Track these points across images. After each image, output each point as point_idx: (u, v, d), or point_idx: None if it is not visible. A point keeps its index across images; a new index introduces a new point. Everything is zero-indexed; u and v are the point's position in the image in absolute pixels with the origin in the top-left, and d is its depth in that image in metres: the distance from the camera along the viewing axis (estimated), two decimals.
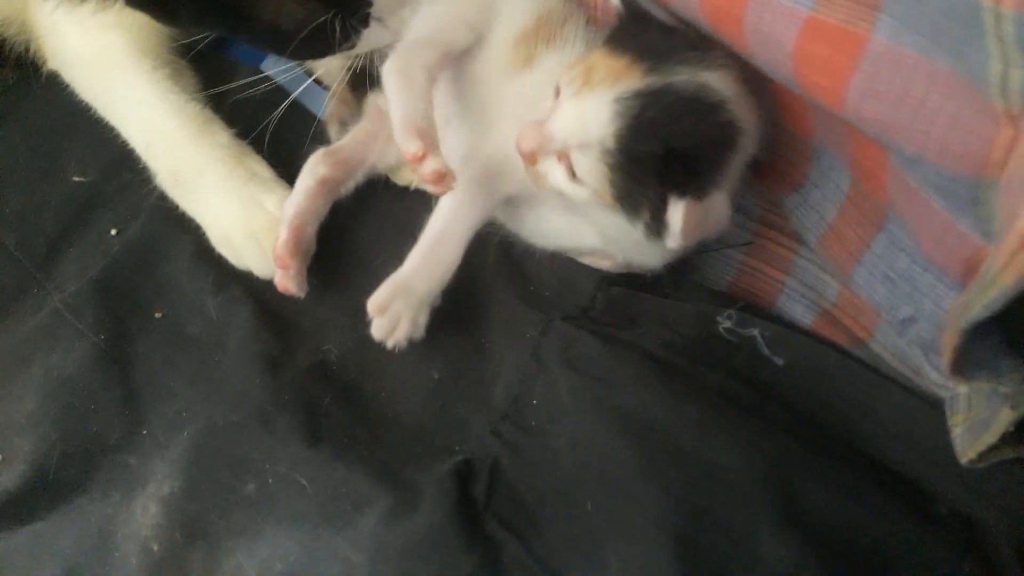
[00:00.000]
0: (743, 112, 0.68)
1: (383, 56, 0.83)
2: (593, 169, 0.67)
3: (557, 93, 0.69)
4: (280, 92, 1.00)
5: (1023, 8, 0.44)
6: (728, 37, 0.66)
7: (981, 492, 0.66)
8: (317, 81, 1.01)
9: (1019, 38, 0.45)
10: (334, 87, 0.93)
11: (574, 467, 0.70)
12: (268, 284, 0.84)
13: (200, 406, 0.78)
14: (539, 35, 0.80)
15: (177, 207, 0.89)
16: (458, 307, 0.81)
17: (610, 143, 0.65)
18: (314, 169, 0.85)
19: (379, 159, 0.88)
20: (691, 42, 0.68)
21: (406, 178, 0.90)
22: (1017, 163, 0.50)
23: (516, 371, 0.76)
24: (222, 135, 0.89)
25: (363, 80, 0.89)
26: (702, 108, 0.66)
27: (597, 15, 0.85)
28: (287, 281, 0.80)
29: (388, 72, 0.75)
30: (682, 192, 0.64)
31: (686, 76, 0.66)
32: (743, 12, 0.63)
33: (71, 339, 0.82)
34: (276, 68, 1.00)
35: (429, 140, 0.69)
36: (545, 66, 0.78)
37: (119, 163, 0.91)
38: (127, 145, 0.90)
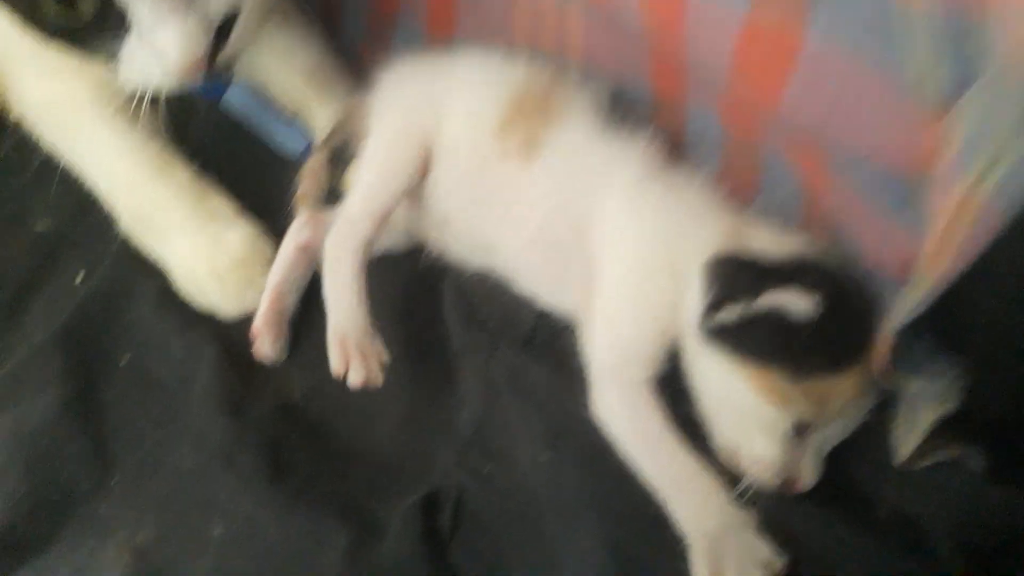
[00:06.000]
0: None
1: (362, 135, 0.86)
2: None
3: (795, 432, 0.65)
4: (241, 127, 1.01)
5: (934, 12, 0.43)
6: (670, 45, 0.66)
7: (920, 490, 0.65)
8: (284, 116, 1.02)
9: (935, 43, 0.45)
10: (308, 163, 0.92)
11: (535, 492, 0.70)
12: (233, 324, 0.85)
13: (167, 449, 0.78)
14: (528, 118, 0.79)
15: (142, 250, 0.89)
16: (421, 339, 0.82)
17: None
18: (297, 234, 0.85)
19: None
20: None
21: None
22: (941, 162, 0.49)
23: (477, 399, 0.76)
24: (182, 174, 0.89)
25: (343, 158, 0.89)
26: None
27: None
28: (264, 349, 0.81)
29: (324, 264, 0.78)
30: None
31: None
32: (683, 17, 0.62)
33: (38, 389, 0.81)
34: (237, 103, 1.01)
35: (350, 353, 0.72)
36: (555, 147, 0.78)
37: (84, 208, 0.92)
38: (92, 190, 0.91)
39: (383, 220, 0.80)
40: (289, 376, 0.81)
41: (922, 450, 0.61)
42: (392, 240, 0.87)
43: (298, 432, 0.77)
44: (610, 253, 0.73)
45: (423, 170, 0.83)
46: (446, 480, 0.73)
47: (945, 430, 0.59)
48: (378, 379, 0.73)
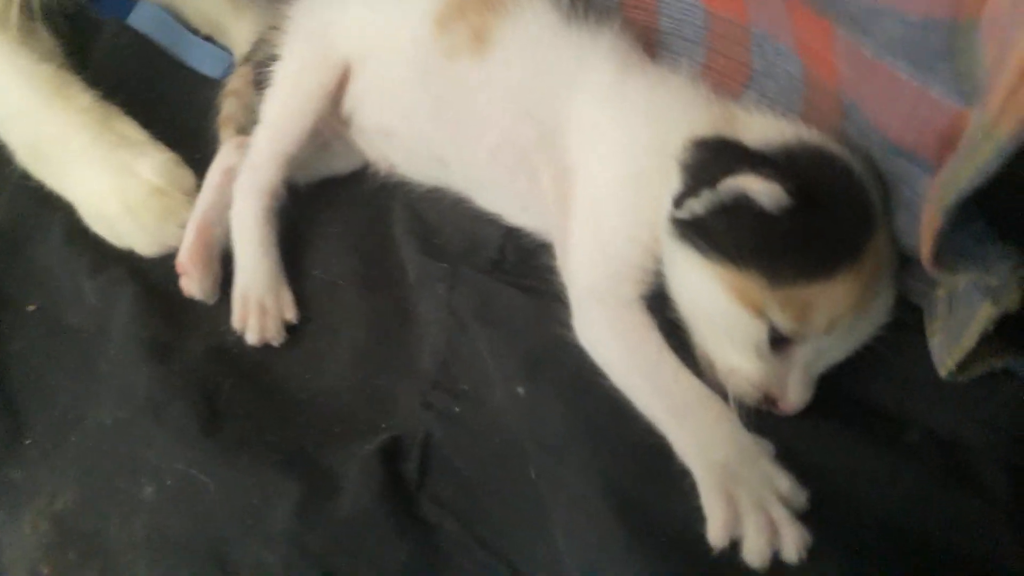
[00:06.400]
0: None
1: None
2: None
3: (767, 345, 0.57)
4: (154, 48, 0.92)
5: None
6: None
7: (958, 407, 0.59)
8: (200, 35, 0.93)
9: None
10: (229, 81, 0.84)
11: (515, 430, 0.62)
12: (153, 262, 0.77)
13: (86, 404, 0.70)
14: (474, 8, 0.71)
15: (43, 184, 0.80)
16: (373, 269, 0.75)
17: None
18: (224, 158, 0.79)
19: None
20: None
21: None
22: None
23: (441, 332, 0.69)
24: (83, 98, 0.80)
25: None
26: None
27: None
28: (192, 287, 0.73)
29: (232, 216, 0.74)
30: None
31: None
32: None
33: None
34: (145, 21, 0.92)
35: (249, 310, 0.70)
36: (511, 41, 0.70)
37: None
38: None
39: (290, 161, 0.75)
40: (222, 316, 0.72)
41: (970, 359, 0.54)
42: (334, 162, 0.80)
43: (234, 377, 0.69)
44: (591, 160, 0.66)
45: (339, 92, 0.76)
46: (410, 424, 0.65)
47: (992, 335, 0.52)
48: (275, 338, 0.70)
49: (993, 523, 0.55)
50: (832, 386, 0.60)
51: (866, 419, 0.60)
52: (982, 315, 0.50)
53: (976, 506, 0.55)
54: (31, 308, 0.75)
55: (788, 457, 0.55)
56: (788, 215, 0.53)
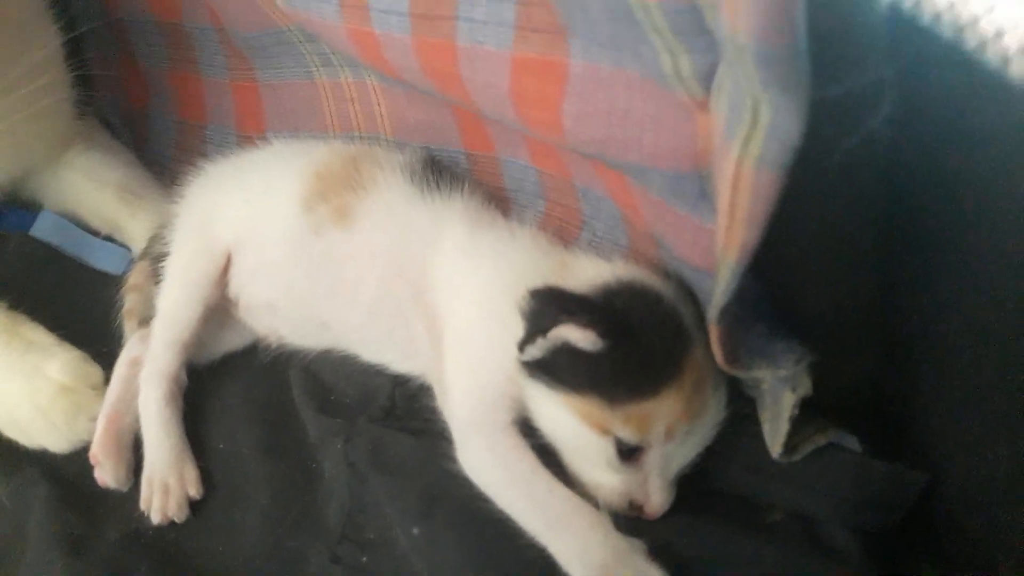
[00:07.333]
0: None
1: None
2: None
3: (626, 453, 0.63)
4: (58, 253, 0.96)
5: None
6: (456, 96, 0.66)
7: (807, 482, 0.64)
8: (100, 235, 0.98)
9: (673, 26, 0.45)
10: (129, 277, 0.88)
11: (416, 569, 0.65)
12: (67, 457, 0.78)
13: None
14: (334, 189, 0.78)
15: None
16: (276, 437, 0.78)
17: None
18: (130, 349, 0.82)
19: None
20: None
21: None
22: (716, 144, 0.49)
23: (343, 487, 0.72)
24: None
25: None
26: None
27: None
28: (105, 477, 0.75)
29: (138, 404, 0.77)
30: None
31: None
32: (457, 68, 0.62)
33: None
34: (47, 231, 0.97)
35: (154, 490, 0.72)
36: (372, 213, 0.77)
37: None
38: None
39: (186, 347, 0.80)
40: (135, 501, 0.74)
41: (795, 441, 0.60)
42: (229, 340, 0.84)
43: (149, 560, 0.70)
44: (456, 307, 0.72)
45: (224, 278, 0.82)
46: None
47: (814, 416, 0.58)
48: (178, 515, 0.72)
49: None
50: (696, 482, 0.65)
51: (730, 507, 0.65)
52: (785, 402, 0.56)
53: (833, 571, 0.60)
54: None
55: (661, 552, 0.59)
56: (608, 350, 0.60)
